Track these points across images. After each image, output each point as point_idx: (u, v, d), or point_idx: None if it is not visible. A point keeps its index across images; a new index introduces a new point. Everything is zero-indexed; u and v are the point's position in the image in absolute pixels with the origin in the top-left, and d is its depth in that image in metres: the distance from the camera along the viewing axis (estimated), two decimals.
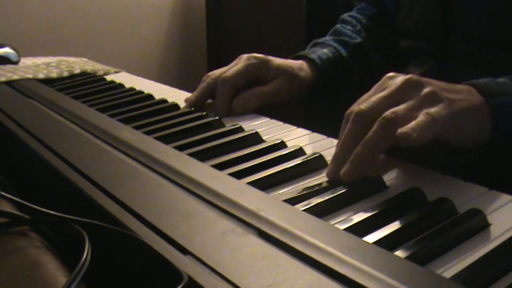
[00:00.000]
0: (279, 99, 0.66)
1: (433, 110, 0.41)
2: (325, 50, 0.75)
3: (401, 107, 0.41)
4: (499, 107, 0.46)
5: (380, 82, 0.46)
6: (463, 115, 0.43)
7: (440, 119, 0.40)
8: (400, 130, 0.39)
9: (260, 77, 0.67)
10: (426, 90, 0.42)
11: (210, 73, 0.68)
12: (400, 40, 0.77)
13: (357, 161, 0.40)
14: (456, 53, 0.66)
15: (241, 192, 0.37)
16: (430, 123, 0.39)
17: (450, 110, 0.41)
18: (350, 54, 0.77)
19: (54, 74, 0.88)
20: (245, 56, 0.68)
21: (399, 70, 0.76)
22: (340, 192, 0.39)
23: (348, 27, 0.81)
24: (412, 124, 0.39)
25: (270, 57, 0.68)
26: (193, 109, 0.64)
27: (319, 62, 0.73)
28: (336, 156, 0.43)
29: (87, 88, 0.79)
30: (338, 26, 0.83)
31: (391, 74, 0.45)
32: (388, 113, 0.40)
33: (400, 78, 0.44)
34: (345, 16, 0.85)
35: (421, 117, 0.40)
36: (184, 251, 0.30)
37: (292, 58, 0.74)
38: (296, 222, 0.32)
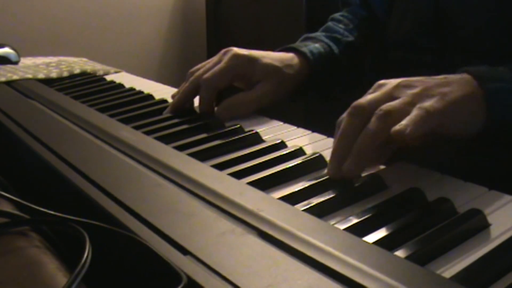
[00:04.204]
0: (266, 103, 0.64)
1: (426, 104, 0.42)
2: (317, 45, 0.72)
3: (396, 101, 0.42)
4: (493, 92, 0.46)
5: (371, 90, 0.46)
6: (456, 104, 0.43)
7: (433, 111, 0.41)
8: (393, 129, 0.40)
9: (244, 76, 0.64)
10: (419, 87, 0.44)
11: (193, 70, 0.65)
12: (390, 51, 0.74)
13: (357, 153, 0.40)
14: (452, 63, 0.63)
15: (241, 192, 0.37)
16: (423, 117, 0.40)
17: (443, 103, 0.42)
18: (341, 51, 0.74)
19: (54, 74, 0.88)
20: (229, 53, 0.64)
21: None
22: (340, 192, 0.39)
23: (340, 26, 0.79)
24: (405, 120, 0.40)
25: (256, 55, 0.64)
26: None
27: (311, 56, 0.69)
28: (335, 152, 0.42)
29: (87, 88, 0.79)
30: (330, 23, 0.80)
31: (382, 81, 0.46)
32: (384, 106, 0.42)
33: (393, 81, 0.45)
34: (336, 15, 0.82)
35: (414, 112, 0.41)
36: (184, 251, 0.30)
37: (282, 50, 0.70)
38: (296, 222, 0.32)
